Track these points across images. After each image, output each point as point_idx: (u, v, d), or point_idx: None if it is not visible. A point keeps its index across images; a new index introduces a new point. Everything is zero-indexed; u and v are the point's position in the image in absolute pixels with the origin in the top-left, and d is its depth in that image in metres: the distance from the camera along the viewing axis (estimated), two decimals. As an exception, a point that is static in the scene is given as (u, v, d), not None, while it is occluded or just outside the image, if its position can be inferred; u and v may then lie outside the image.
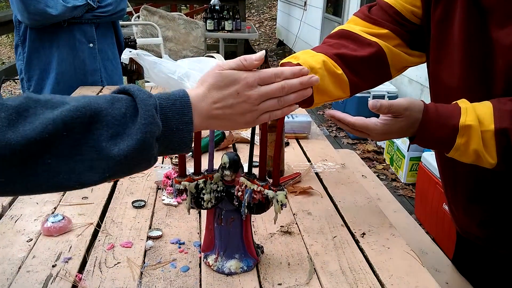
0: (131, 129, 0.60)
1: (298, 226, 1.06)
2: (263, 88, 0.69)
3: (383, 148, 3.87)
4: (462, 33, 0.92)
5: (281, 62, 1.08)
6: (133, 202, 1.14)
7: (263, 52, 0.71)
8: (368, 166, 3.11)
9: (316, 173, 1.34)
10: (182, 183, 0.84)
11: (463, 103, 0.86)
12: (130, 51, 1.79)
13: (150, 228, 1.04)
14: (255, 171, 0.85)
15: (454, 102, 0.88)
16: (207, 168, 0.87)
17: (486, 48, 0.90)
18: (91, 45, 2.12)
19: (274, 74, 0.70)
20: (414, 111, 0.86)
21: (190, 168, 0.86)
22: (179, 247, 0.96)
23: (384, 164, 3.73)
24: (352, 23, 1.11)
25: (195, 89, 0.68)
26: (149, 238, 1.00)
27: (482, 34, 0.90)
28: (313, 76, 0.73)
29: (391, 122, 0.87)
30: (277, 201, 0.82)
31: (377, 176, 3.41)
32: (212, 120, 0.68)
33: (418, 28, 1.05)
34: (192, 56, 4.86)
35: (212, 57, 3.90)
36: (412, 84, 4.23)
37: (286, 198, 0.83)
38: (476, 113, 0.83)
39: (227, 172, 0.84)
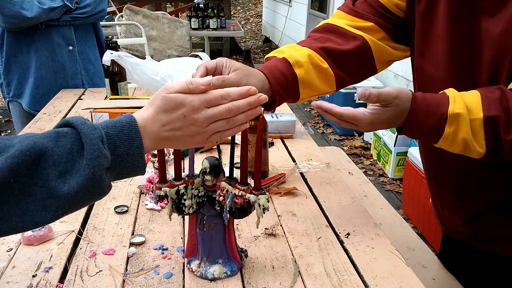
0: (79, 164, 0.61)
1: (282, 228, 1.05)
2: (209, 111, 0.70)
3: (370, 144, 3.88)
4: (447, 24, 0.92)
5: (266, 57, 1.07)
6: (115, 208, 1.12)
7: (210, 77, 0.71)
8: (355, 162, 3.12)
9: (301, 173, 1.34)
10: (162, 189, 0.83)
11: (450, 92, 0.85)
12: (112, 53, 1.76)
13: (133, 234, 1.02)
14: (237, 173, 0.84)
15: (442, 91, 0.86)
16: (187, 173, 0.85)
17: (472, 38, 0.89)
18: (70, 47, 2.08)
19: (220, 96, 0.71)
20: (402, 100, 0.84)
21: (172, 171, 0.85)
22: (162, 253, 0.95)
23: (372, 160, 3.75)
24: (337, 17, 1.10)
25: (143, 111, 0.69)
26: (131, 244, 0.98)
27: (469, 24, 0.89)
28: (261, 95, 0.74)
29: (379, 111, 0.85)
30: (259, 205, 0.81)
31: (365, 171, 3.42)
32: (163, 141, 0.70)
33: (402, 21, 1.05)
34: (177, 55, 4.83)
35: (197, 56, 3.87)
36: (397, 79, 4.25)
37: (269, 201, 0.82)
38: (465, 102, 0.82)
39: (208, 177, 0.83)
